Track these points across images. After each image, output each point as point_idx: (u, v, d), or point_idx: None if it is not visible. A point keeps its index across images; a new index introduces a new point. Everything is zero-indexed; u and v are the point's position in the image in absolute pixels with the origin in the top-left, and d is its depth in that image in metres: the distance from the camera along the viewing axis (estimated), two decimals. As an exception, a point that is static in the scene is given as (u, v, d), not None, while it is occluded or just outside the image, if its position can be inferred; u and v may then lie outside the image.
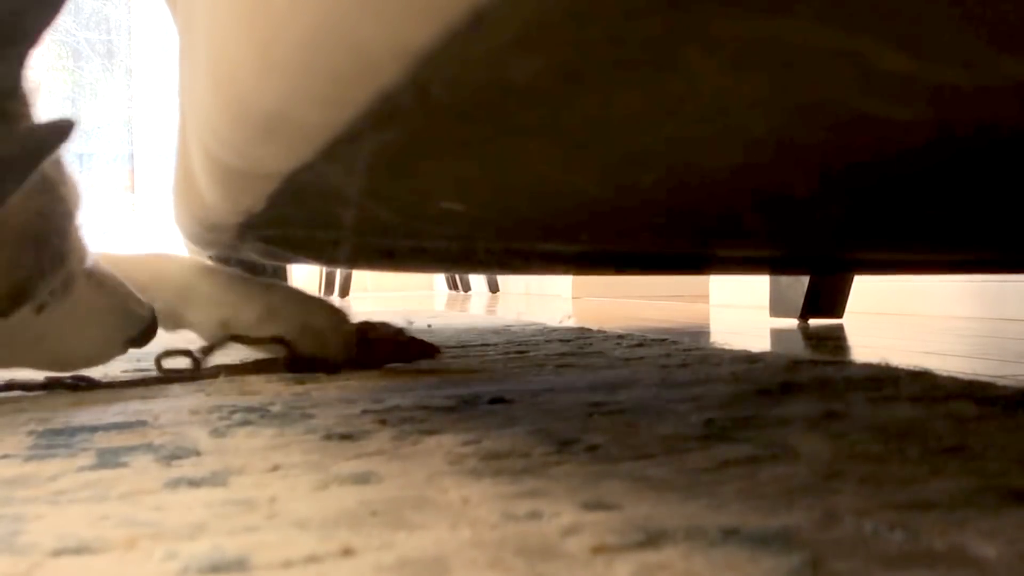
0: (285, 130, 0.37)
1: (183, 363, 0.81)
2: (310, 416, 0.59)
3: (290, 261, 1.14)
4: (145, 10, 4.73)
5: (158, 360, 0.80)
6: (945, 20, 0.25)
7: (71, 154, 0.72)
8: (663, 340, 1.07)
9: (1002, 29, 0.25)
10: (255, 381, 0.78)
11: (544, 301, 3.09)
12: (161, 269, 0.89)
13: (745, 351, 0.95)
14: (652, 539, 0.31)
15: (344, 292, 3.83)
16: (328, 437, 0.51)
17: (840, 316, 1.62)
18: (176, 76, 0.72)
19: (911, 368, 0.73)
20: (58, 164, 0.70)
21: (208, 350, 0.82)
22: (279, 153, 0.41)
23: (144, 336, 0.78)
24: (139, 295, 0.79)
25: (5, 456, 0.49)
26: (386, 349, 0.86)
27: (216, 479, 0.42)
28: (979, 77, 0.29)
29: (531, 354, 0.98)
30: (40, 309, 0.70)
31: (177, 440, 0.52)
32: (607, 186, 0.51)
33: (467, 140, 0.41)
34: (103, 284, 0.76)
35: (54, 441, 0.52)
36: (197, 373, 0.80)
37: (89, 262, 0.75)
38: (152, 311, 0.79)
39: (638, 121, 0.37)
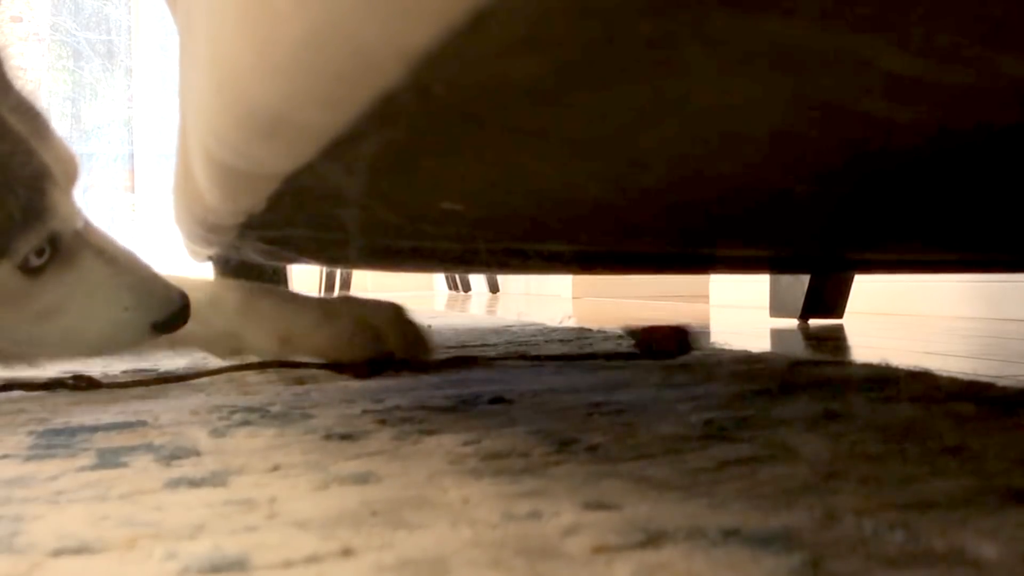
0: (286, 131, 0.37)
1: (182, 363, 0.81)
2: (310, 416, 0.59)
3: (290, 261, 1.14)
4: (145, 10, 4.73)
5: None
6: (945, 20, 0.25)
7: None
8: (663, 340, 1.06)
9: (1002, 29, 0.26)
10: (255, 381, 0.78)
11: (544, 301, 3.09)
12: (217, 292, 0.86)
13: (745, 351, 0.95)
14: (652, 539, 0.31)
15: (344, 292, 3.83)
16: (328, 437, 0.51)
17: (840, 316, 1.62)
18: (176, 76, 0.72)
19: (911, 368, 0.73)
20: (31, 118, 0.68)
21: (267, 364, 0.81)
22: (280, 154, 0.41)
23: (173, 320, 0.75)
24: (169, 280, 0.75)
25: (5, 456, 0.49)
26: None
27: (216, 479, 0.42)
28: (979, 77, 0.29)
29: (531, 354, 0.98)
30: (31, 273, 0.68)
31: (177, 440, 0.52)
32: (607, 186, 0.51)
33: (467, 140, 0.41)
34: (118, 260, 0.74)
35: (54, 441, 0.52)
36: (198, 373, 0.80)
37: (98, 237, 0.73)
38: (184, 295, 0.75)
39: (638, 121, 0.37)
